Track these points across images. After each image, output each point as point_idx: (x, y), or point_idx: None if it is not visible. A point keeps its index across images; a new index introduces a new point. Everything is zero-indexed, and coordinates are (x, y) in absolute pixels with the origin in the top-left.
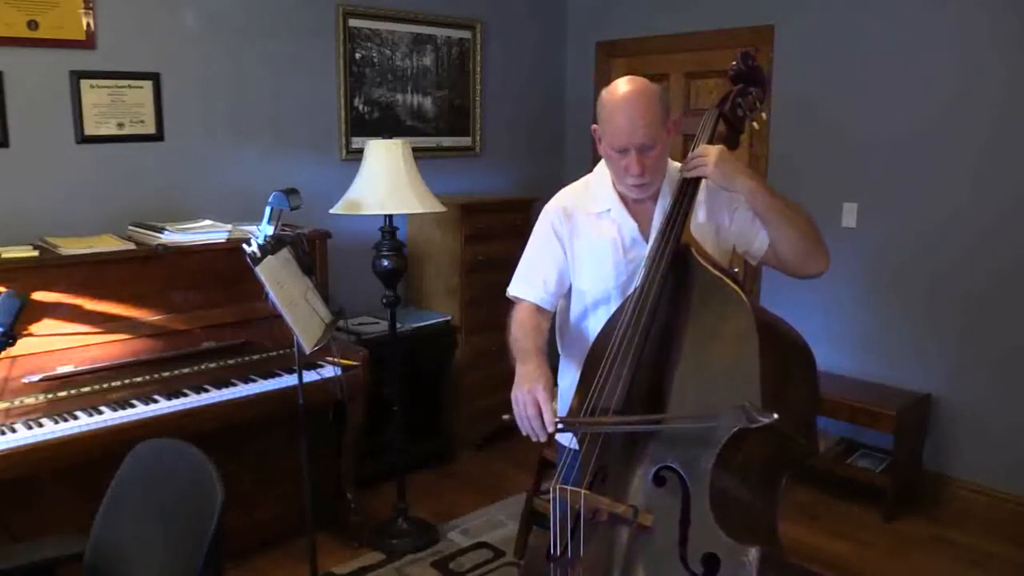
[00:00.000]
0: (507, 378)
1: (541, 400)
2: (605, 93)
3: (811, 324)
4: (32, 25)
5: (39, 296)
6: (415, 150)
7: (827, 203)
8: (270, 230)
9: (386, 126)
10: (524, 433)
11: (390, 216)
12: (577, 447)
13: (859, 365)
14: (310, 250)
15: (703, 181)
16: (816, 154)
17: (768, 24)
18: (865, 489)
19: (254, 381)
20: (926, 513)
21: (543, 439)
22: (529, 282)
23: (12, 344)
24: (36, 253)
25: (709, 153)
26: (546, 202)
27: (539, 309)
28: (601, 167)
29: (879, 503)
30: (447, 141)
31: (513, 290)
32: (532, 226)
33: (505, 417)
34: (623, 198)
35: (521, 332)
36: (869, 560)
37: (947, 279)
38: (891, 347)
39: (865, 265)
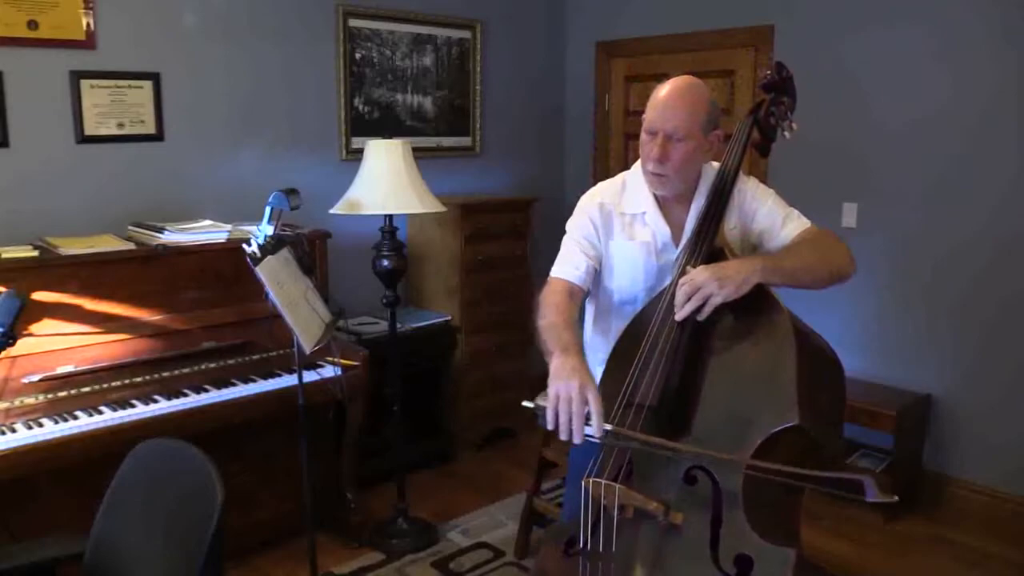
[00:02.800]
0: (507, 378)
1: (593, 403)
2: (661, 83)
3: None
4: (32, 25)
5: (39, 296)
6: (415, 150)
7: (827, 203)
8: (270, 230)
9: (386, 126)
10: (551, 428)
11: (390, 216)
12: (598, 439)
13: (859, 365)
14: (310, 250)
15: (735, 188)
16: (816, 154)
17: (768, 24)
18: None
19: (254, 381)
20: (926, 513)
21: (578, 442)
22: (567, 263)
23: (12, 344)
24: (36, 253)
25: (709, 279)
26: (546, 202)
27: (572, 291)
28: (638, 165)
29: (879, 503)
30: (447, 141)
31: (553, 272)
32: (532, 226)
33: (528, 404)
34: (658, 201)
35: (560, 318)
36: (869, 560)
37: (947, 279)
38: (891, 347)
39: (865, 265)
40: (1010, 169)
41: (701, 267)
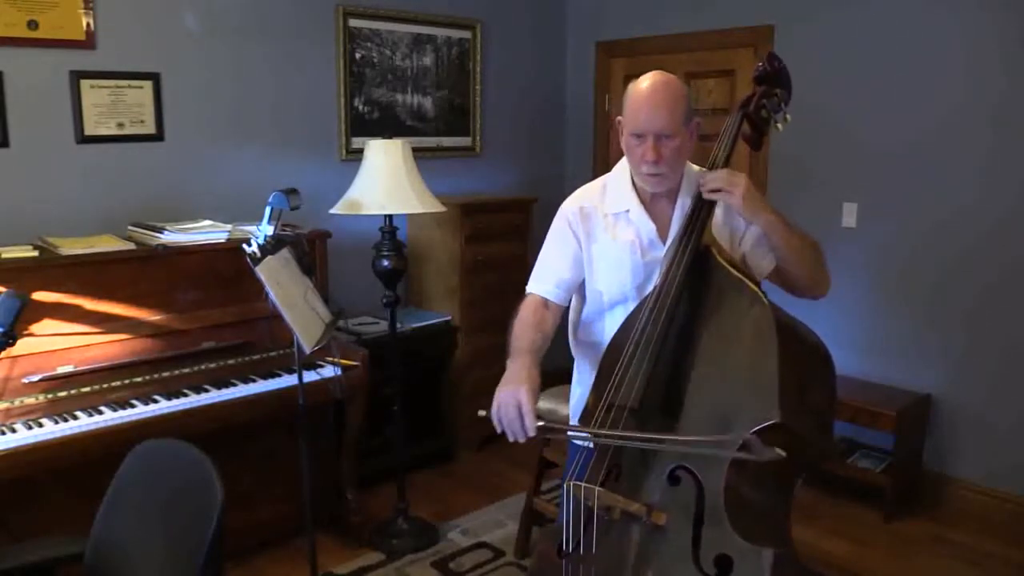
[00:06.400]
0: None
1: (523, 403)
2: (632, 83)
3: (811, 325)
4: (32, 25)
5: (39, 296)
6: (415, 150)
7: (827, 203)
8: (270, 230)
9: (386, 126)
10: (500, 432)
11: (390, 216)
12: (591, 444)
13: (859, 365)
14: (310, 250)
15: None
16: (816, 154)
17: (768, 24)
18: (865, 489)
19: (254, 381)
20: (926, 513)
21: (522, 441)
22: (541, 277)
23: (12, 344)
24: (36, 253)
25: (739, 183)
26: (546, 202)
27: (546, 304)
28: (620, 167)
29: (879, 503)
30: (447, 141)
31: (528, 286)
32: (532, 226)
33: (481, 413)
34: (642, 198)
35: (520, 329)
36: (869, 560)
37: (947, 279)
38: (891, 347)
39: (865, 265)
40: (1014, 171)
41: (743, 175)
